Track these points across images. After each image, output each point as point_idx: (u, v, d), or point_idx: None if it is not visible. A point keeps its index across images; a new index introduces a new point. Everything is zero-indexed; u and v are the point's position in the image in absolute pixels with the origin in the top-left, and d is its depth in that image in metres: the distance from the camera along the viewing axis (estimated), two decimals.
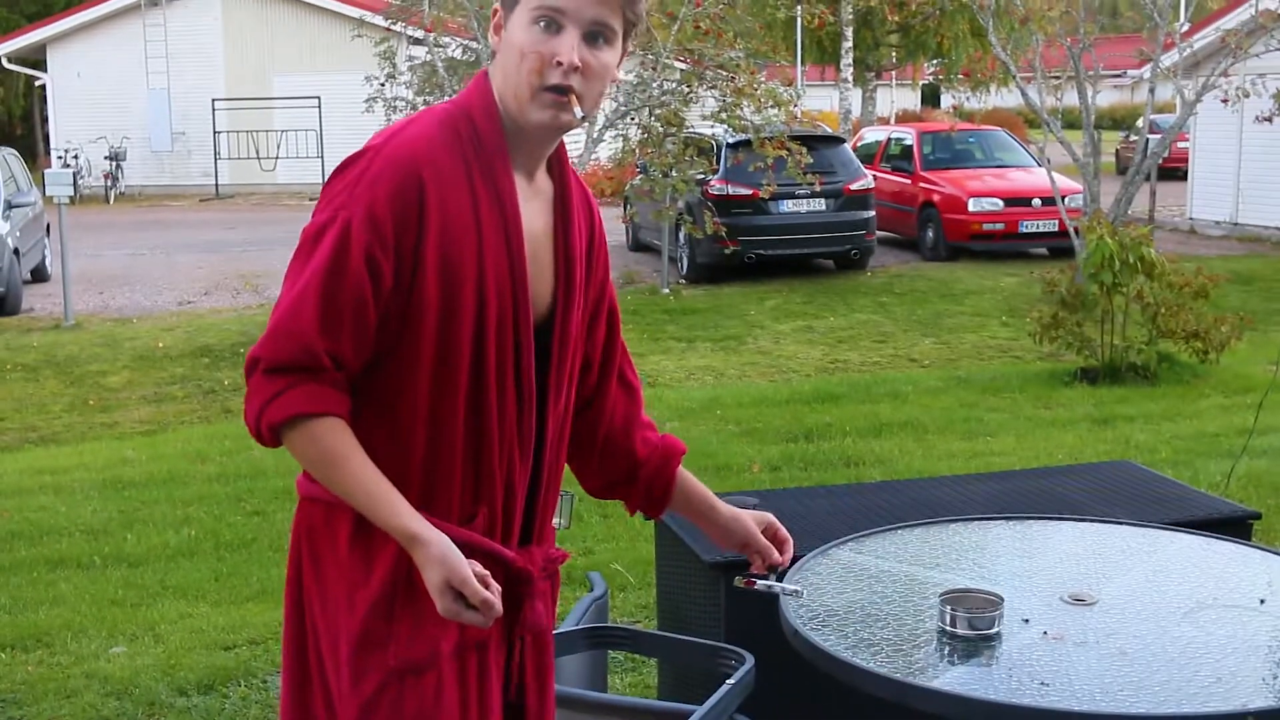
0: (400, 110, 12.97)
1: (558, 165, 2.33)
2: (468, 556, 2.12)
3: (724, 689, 2.57)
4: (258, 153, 29.86)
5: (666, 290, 15.84)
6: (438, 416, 2.19)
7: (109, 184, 29.30)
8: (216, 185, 29.47)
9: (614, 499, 2.59)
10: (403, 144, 2.14)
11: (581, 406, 2.47)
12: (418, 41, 14.10)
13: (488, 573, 2.11)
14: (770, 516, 2.62)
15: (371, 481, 2.14)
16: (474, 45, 13.12)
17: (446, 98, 12.80)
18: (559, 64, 2.13)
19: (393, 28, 13.77)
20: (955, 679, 2.57)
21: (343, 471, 2.13)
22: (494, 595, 2.10)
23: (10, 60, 31.79)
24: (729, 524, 2.60)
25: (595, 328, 2.44)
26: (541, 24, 2.14)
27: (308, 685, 2.28)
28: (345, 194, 2.12)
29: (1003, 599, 2.74)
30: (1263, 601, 2.94)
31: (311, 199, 28.51)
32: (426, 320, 2.15)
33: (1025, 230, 17.89)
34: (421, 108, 12.85)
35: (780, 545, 2.60)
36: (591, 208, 2.41)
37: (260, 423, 2.12)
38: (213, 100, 29.63)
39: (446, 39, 13.41)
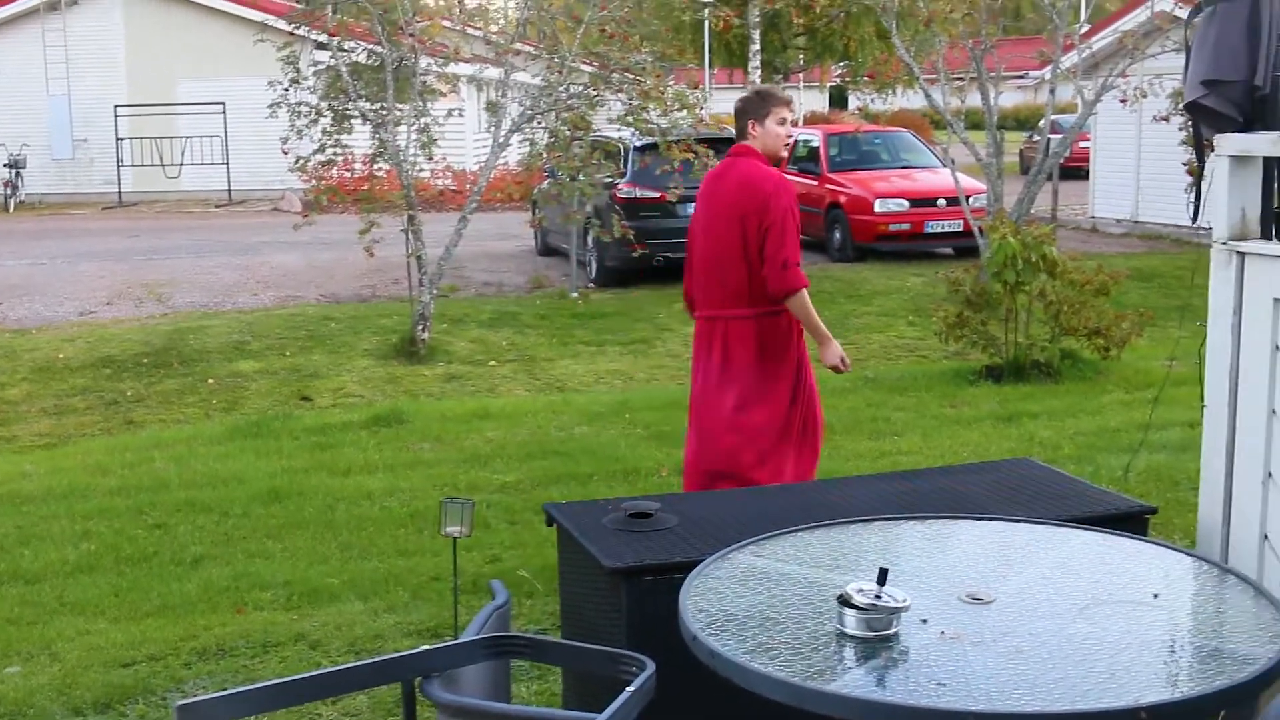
0: (305, 115, 12.78)
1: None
2: None
3: (623, 696, 2.55)
4: (162, 159, 29.43)
5: (575, 294, 15.79)
6: None
7: (8, 192, 28.73)
8: (120, 193, 28.99)
9: None
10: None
11: None
12: (322, 46, 13.88)
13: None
14: None
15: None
16: (378, 50, 12.99)
17: (351, 103, 12.75)
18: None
19: (296, 32, 13.57)
20: (853, 681, 2.57)
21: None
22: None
23: None
24: None
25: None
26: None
27: (796, 399, 5.37)
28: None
29: (902, 600, 2.74)
30: (1156, 596, 2.97)
31: (217, 205, 28.17)
32: None
33: (931, 230, 18.08)
34: (326, 112, 12.80)
35: None
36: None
37: (794, 285, 5.29)
38: (115, 107, 29.14)
39: (351, 43, 13.28)
